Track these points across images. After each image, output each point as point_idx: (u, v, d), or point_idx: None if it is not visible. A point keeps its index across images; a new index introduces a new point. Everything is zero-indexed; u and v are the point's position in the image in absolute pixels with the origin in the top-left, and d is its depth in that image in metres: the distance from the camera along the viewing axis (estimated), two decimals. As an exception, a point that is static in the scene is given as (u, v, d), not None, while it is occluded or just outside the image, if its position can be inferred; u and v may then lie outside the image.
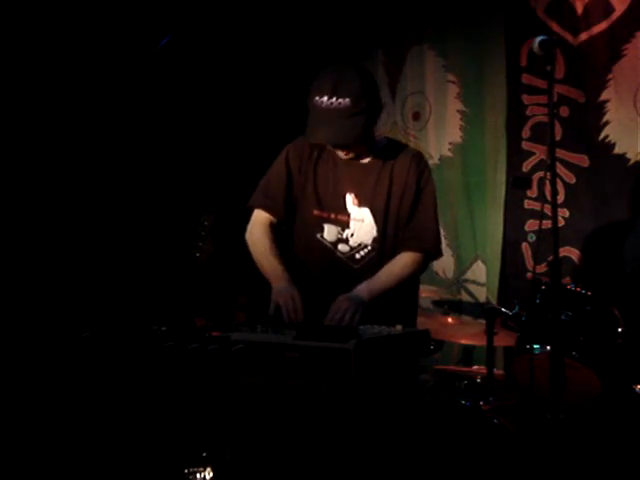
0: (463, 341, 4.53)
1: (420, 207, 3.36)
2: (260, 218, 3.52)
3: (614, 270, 4.84)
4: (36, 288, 4.37)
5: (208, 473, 2.85)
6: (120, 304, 4.50)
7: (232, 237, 5.01)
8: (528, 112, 5.09)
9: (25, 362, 3.56)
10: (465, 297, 5.21)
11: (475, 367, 4.71)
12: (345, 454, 2.68)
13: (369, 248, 3.39)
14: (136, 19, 4.88)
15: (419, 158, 3.42)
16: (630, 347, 3.91)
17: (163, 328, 2.82)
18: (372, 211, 3.38)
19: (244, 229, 5.42)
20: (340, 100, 3.19)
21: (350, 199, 3.40)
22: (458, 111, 5.29)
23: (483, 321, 4.08)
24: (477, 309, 4.63)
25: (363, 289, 3.25)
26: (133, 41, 4.75)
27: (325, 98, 3.21)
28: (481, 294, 5.18)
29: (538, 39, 2.80)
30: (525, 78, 5.09)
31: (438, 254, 3.47)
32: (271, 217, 3.49)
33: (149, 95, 4.84)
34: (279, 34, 5.46)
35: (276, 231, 3.49)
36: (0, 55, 4.36)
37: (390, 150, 3.42)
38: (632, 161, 4.83)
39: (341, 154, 3.36)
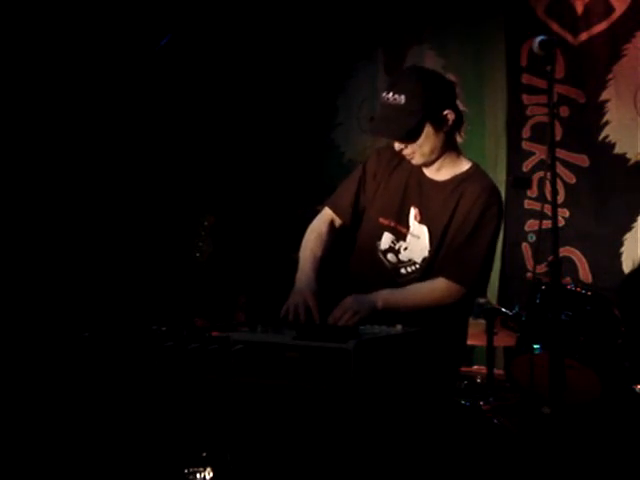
0: (463, 341, 4.53)
1: (474, 240, 3.24)
2: (324, 215, 3.48)
3: (614, 270, 4.84)
4: (36, 288, 4.37)
5: (208, 473, 2.85)
6: (120, 304, 4.50)
7: (232, 237, 5.02)
8: (528, 112, 5.09)
9: (25, 362, 3.56)
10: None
11: (475, 367, 4.71)
12: (345, 454, 2.68)
13: (417, 266, 3.32)
14: (136, 19, 4.88)
15: (491, 192, 3.31)
16: (630, 347, 3.91)
17: (163, 328, 2.82)
18: (430, 231, 3.30)
19: (244, 229, 5.44)
20: (395, 96, 3.18)
21: (413, 213, 3.34)
22: (458, 111, 5.28)
23: (483, 321, 4.07)
24: (477, 309, 4.62)
25: (380, 295, 3.20)
26: (133, 41, 4.75)
27: (384, 94, 3.22)
28: (481, 294, 5.17)
29: (538, 39, 2.80)
30: (525, 78, 5.09)
31: (477, 291, 3.37)
32: (335, 218, 3.45)
33: (149, 95, 4.84)
34: (279, 34, 5.46)
35: (335, 232, 3.45)
36: (0, 55, 4.37)
37: (468, 176, 3.34)
38: (632, 161, 4.83)
39: (407, 157, 3.30)
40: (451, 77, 5.22)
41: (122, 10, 4.85)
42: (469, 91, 5.27)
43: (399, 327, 2.98)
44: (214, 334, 2.79)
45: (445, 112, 3.25)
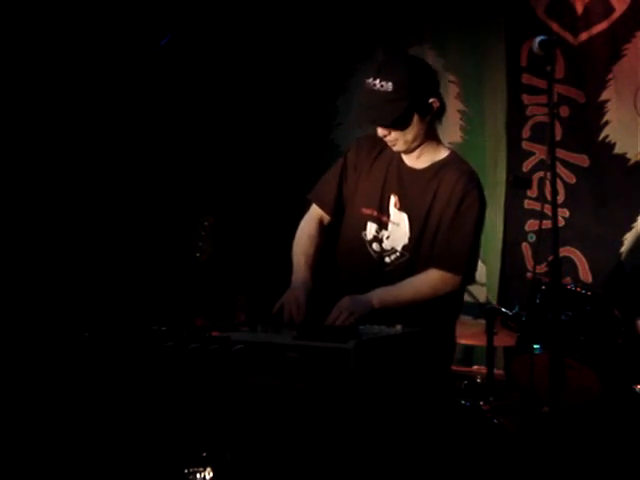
0: (463, 341, 4.52)
1: (457, 227, 3.24)
2: (312, 212, 3.50)
3: (614, 270, 4.84)
4: (36, 288, 4.37)
5: (208, 473, 2.85)
6: (120, 304, 4.50)
7: (232, 237, 5.02)
8: (528, 112, 5.09)
9: (25, 362, 3.56)
10: (465, 297, 5.20)
11: (475, 367, 4.71)
12: (345, 454, 2.68)
13: (398, 254, 3.32)
14: (136, 19, 4.88)
15: (469, 176, 3.30)
16: (630, 347, 3.91)
17: (163, 328, 2.82)
18: (409, 218, 3.31)
19: (244, 229, 5.43)
20: (383, 83, 3.18)
21: (393, 200, 3.35)
22: (458, 111, 5.28)
23: (483, 321, 4.08)
24: (477, 309, 4.62)
25: (376, 294, 3.20)
26: (133, 41, 4.75)
27: (370, 80, 3.21)
28: (481, 294, 5.17)
29: (538, 39, 2.80)
30: (525, 78, 5.08)
31: (467, 277, 3.32)
32: (323, 214, 3.47)
33: (149, 95, 4.84)
34: (279, 34, 5.46)
35: (324, 228, 3.47)
36: (1, 55, 4.37)
37: (446, 162, 3.34)
38: (632, 161, 4.83)
39: (389, 144, 3.31)
40: (451, 77, 5.31)
41: (122, 10, 4.85)
42: (469, 91, 5.28)
43: (399, 327, 2.98)
44: (214, 334, 2.79)
45: (431, 100, 3.26)
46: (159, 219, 5.01)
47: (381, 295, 3.21)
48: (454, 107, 5.30)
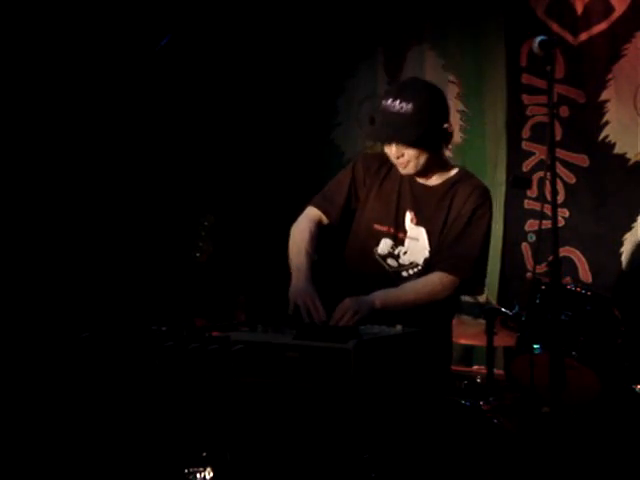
0: (463, 341, 4.53)
1: (465, 236, 3.32)
2: (311, 214, 3.51)
3: (614, 270, 4.84)
4: (36, 288, 4.37)
5: (208, 473, 2.85)
6: (120, 304, 4.50)
7: (232, 237, 5.02)
8: (528, 112, 5.09)
9: (25, 362, 3.56)
10: (465, 297, 5.20)
11: (475, 367, 4.71)
12: (345, 454, 2.68)
13: (419, 268, 3.37)
14: (136, 19, 4.88)
15: (481, 192, 3.39)
16: (630, 347, 3.91)
17: (163, 328, 2.82)
18: (428, 232, 3.37)
19: (244, 229, 5.43)
20: (403, 104, 3.23)
21: (409, 217, 3.40)
22: (458, 111, 5.28)
23: (483, 321, 4.08)
24: (477, 309, 4.62)
25: (379, 295, 3.23)
26: (133, 41, 4.75)
27: (390, 101, 3.26)
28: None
29: (538, 39, 2.81)
30: (525, 78, 5.09)
31: (474, 284, 3.41)
32: (323, 217, 3.50)
33: (149, 95, 4.84)
34: (279, 33, 5.46)
35: (321, 231, 3.49)
36: (0, 55, 4.37)
37: (458, 179, 3.42)
38: (632, 161, 4.83)
39: (399, 166, 3.36)
40: (451, 77, 5.31)
41: (122, 10, 4.85)
42: (469, 91, 5.28)
43: (399, 327, 2.99)
44: (214, 334, 2.79)
45: (445, 125, 3.34)
46: (159, 219, 5.02)
47: (383, 296, 3.24)
48: (454, 107, 5.30)
